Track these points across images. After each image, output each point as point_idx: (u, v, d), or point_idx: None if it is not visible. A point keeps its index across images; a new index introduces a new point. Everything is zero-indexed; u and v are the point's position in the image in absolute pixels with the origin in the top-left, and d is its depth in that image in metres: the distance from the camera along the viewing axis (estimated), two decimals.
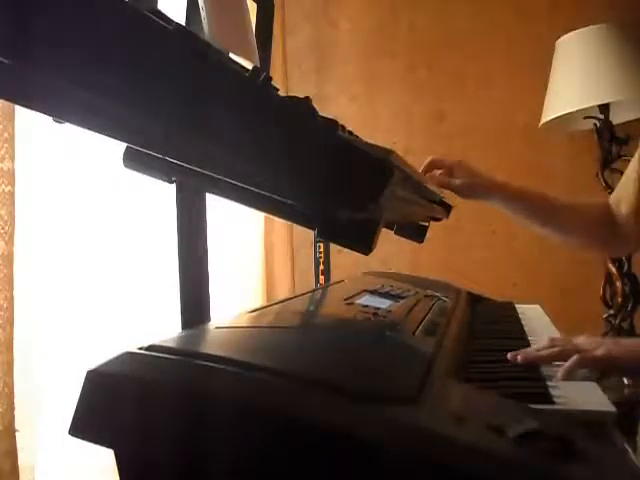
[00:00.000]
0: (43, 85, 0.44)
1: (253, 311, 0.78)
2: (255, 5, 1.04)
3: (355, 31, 2.31)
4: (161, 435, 0.45)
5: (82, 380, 0.46)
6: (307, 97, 0.54)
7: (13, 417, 0.96)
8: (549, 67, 2.00)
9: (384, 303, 0.91)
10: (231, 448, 0.44)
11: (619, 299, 1.95)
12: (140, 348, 0.49)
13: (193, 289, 0.76)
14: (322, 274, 1.66)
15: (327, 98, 2.27)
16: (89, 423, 0.46)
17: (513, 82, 2.18)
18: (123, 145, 0.66)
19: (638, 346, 0.76)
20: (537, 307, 1.28)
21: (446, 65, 2.24)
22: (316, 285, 1.64)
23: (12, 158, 0.96)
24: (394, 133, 2.24)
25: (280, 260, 2.18)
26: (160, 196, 1.26)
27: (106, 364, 0.47)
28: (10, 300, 0.96)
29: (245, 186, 0.59)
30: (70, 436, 0.46)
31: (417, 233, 1.24)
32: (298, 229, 2.12)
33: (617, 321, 1.95)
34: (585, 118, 1.97)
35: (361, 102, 2.30)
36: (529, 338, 0.94)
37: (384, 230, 0.87)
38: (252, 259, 2.01)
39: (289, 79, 2.29)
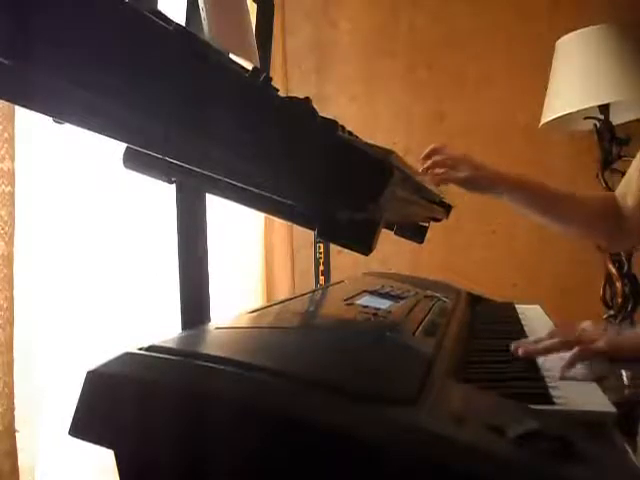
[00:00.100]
0: (43, 85, 0.44)
1: (253, 311, 0.78)
2: (255, 5, 1.04)
3: (355, 31, 2.31)
4: (161, 435, 0.45)
5: (82, 380, 0.46)
6: (307, 97, 0.54)
7: (13, 417, 0.96)
8: (549, 67, 2.00)
9: (384, 303, 0.91)
10: (231, 448, 0.44)
11: (619, 299, 1.95)
12: (140, 348, 0.49)
13: (193, 289, 0.76)
14: (322, 274, 1.66)
15: (327, 98, 2.27)
16: (89, 423, 0.46)
17: (513, 82, 2.18)
18: (123, 145, 0.66)
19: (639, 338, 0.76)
20: (537, 307, 1.28)
21: (446, 65, 2.24)
22: (316, 285, 1.64)
23: (12, 158, 0.96)
24: (394, 133, 2.24)
25: (280, 260, 2.18)
26: (160, 196, 1.26)
27: (106, 364, 0.47)
28: (10, 300, 0.96)
29: (245, 186, 0.59)
30: (70, 436, 0.46)
31: (417, 233, 1.24)
32: (298, 229, 2.12)
33: (617, 321, 1.95)
34: (585, 118, 1.96)
35: (361, 102, 2.30)
36: (529, 338, 0.94)
37: (384, 230, 0.87)
38: (252, 259, 2.01)
39: (289, 79, 2.28)
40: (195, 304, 0.76)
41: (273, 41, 1.08)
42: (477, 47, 2.22)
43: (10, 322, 0.96)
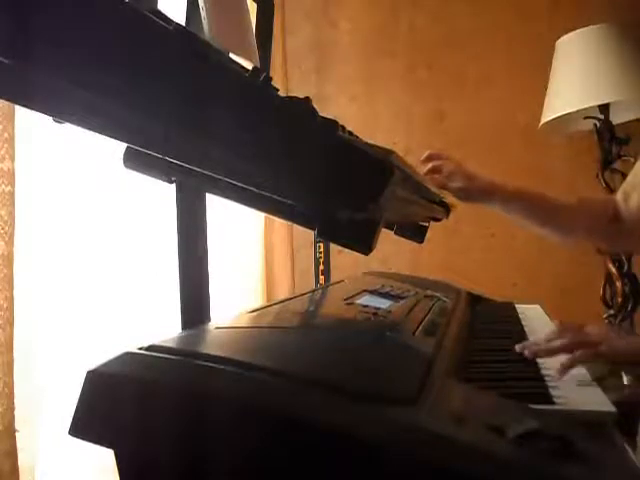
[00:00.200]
0: (43, 85, 0.44)
1: (253, 311, 0.78)
2: (255, 5, 1.04)
3: (355, 31, 2.31)
4: (161, 435, 0.45)
5: (82, 380, 0.46)
6: (307, 97, 0.54)
7: (13, 417, 0.96)
8: (549, 67, 1.99)
9: (384, 303, 0.91)
10: (231, 448, 0.44)
11: (619, 299, 1.95)
12: (140, 348, 0.49)
13: (193, 289, 0.76)
14: (322, 274, 1.66)
15: (327, 98, 2.27)
16: (89, 423, 0.46)
17: (513, 82, 2.18)
18: (123, 145, 0.66)
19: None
20: (537, 307, 1.29)
21: (446, 65, 2.24)
22: (316, 285, 1.64)
23: (12, 158, 0.96)
24: (394, 133, 2.24)
25: (280, 260, 2.18)
26: (160, 196, 1.26)
27: (106, 364, 0.47)
28: (10, 300, 0.96)
29: (245, 186, 0.59)
30: (70, 436, 0.46)
31: (417, 233, 1.24)
32: (298, 229, 2.12)
33: (617, 321, 1.95)
34: (585, 118, 1.96)
35: (361, 102, 2.30)
36: (529, 338, 0.94)
37: (384, 230, 0.87)
38: (252, 259, 2.01)
39: (289, 79, 2.28)
40: (195, 304, 0.76)
41: (273, 41, 1.08)
42: (477, 47, 2.22)
43: (10, 322, 0.96)
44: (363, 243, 0.56)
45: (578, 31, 1.92)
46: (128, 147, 0.67)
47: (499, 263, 2.17)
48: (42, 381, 1.11)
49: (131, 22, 0.43)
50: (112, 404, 0.46)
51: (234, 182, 0.59)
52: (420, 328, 0.77)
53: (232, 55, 0.76)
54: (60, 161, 1.20)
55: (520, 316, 1.15)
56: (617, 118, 1.98)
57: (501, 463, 0.41)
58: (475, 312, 1.19)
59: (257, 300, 1.99)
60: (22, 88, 0.45)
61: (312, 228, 0.60)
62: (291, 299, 0.94)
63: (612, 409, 0.61)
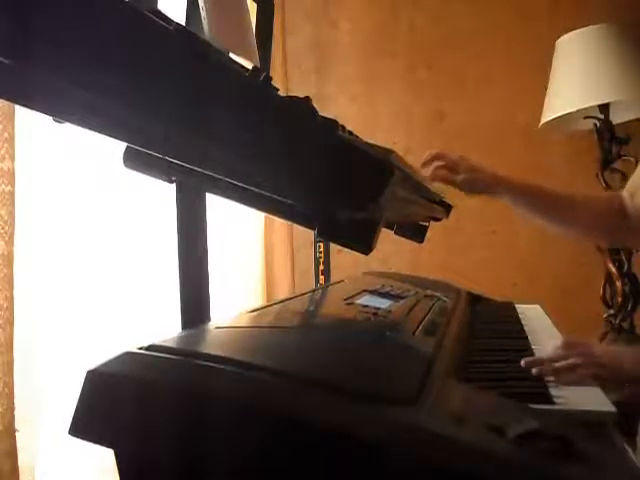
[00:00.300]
0: (43, 85, 0.44)
1: (253, 311, 0.78)
2: (255, 5, 1.04)
3: (355, 31, 2.31)
4: (161, 435, 0.45)
5: (82, 380, 0.46)
6: (307, 97, 0.54)
7: (13, 417, 0.96)
8: (549, 67, 1.99)
9: (384, 303, 0.91)
10: (231, 448, 0.44)
11: (619, 299, 1.95)
12: (140, 348, 0.49)
13: (193, 289, 0.76)
14: (322, 274, 1.66)
15: (327, 98, 2.27)
16: (89, 423, 0.46)
17: (513, 82, 2.18)
18: (123, 145, 0.66)
19: None
20: (537, 307, 1.29)
21: (446, 65, 2.24)
22: (316, 285, 1.64)
23: (12, 158, 0.96)
24: (394, 133, 2.24)
25: (280, 260, 2.18)
26: (160, 196, 1.26)
27: (106, 364, 0.47)
28: (10, 300, 0.96)
29: (245, 186, 0.59)
30: (70, 436, 0.46)
31: (417, 233, 1.24)
32: (298, 229, 2.12)
33: (617, 321, 1.95)
34: (585, 118, 1.96)
35: (361, 102, 2.30)
36: (529, 338, 0.94)
37: (384, 230, 0.87)
38: (252, 259, 2.01)
39: (289, 79, 2.28)
40: (195, 304, 0.76)
41: (273, 41, 1.08)
42: (477, 47, 2.22)
43: (10, 322, 0.96)
44: (363, 243, 0.56)
45: (578, 31, 1.92)
46: (128, 147, 0.67)
47: (499, 263, 2.17)
48: (42, 381, 1.11)
49: (131, 22, 0.43)
50: (112, 404, 0.46)
51: (234, 182, 0.59)
52: (420, 328, 0.77)
53: (232, 55, 0.76)
54: (60, 161, 1.20)
55: (520, 316, 1.15)
56: (617, 118, 1.98)
57: (501, 463, 0.41)
58: (475, 312, 1.19)
59: (257, 300, 1.99)
60: (22, 88, 0.45)
61: (312, 228, 0.60)
62: (291, 299, 0.94)
63: (612, 409, 0.61)
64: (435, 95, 2.25)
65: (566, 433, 0.45)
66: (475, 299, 1.31)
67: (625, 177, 1.83)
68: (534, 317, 1.16)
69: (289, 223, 1.85)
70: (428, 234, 1.24)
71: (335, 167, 0.52)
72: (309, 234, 1.79)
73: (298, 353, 0.58)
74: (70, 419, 0.46)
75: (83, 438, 0.46)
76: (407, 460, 0.41)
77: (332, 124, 0.53)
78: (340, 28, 2.32)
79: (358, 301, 0.90)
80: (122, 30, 0.42)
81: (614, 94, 1.84)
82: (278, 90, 0.56)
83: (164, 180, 0.70)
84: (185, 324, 0.75)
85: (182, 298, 0.76)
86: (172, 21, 0.48)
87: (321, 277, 1.66)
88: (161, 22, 0.46)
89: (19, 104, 0.53)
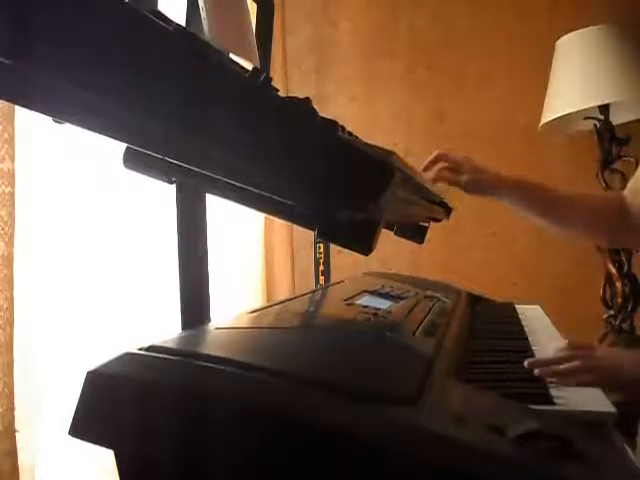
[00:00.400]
0: (43, 85, 0.44)
1: (253, 311, 0.78)
2: (255, 5, 1.04)
3: (355, 31, 2.31)
4: (161, 435, 0.45)
5: (82, 381, 0.46)
6: (307, 97, 0.54)
7: (13, 417, 0.96)
8: (549, 67, 1.99)
9: (384, 304, 0.91)
10: (231, 448, 0.44)
11: (619, 300, 1.95)
12: (140, 348, 0.49)
13: (193, 289, 0.76)
14: (322, 274, 1.66)
15: (327, 98, 2.27)
16: (89, 423, 0.46)
17: (513, 82, 2.18)
18: (123, 145, 0.66)
19: None
20: (537, 307, 1.29)
21: (446, 65, 2.24)
22: (316, 285, 1.64)
23: (12, 159, 0.96)
24: (394, 133, 2.24)
25: (280, 260, 2.18)
26: (160, 196, 1.26)
27: (106, 365, 0.47)
28: (10, 300, 0.96)
29: (245, 186, 0.59)
30: (70, 436, 0.46)
31: (417, 234, 1.24)
32: (298, 229, 2.12)
33: (617, 322, 1.95)
34: (585, 119, 1.96)
35: (361, 102, 2.30)
36: (529, 339, 0.94)
37: (384, 231, 0.87)
38: (252, 259, 2.01)
39: (289, 79, 2.28)
40: (195, 304, 0.76)
41: (273, 41, 1.08)
42: (477, 47, 2.22)
43: (10, 322, 0.96)
44: (363, 243, 0.56)
45: (578, 31, 1.92)
46: (128, 147, 0.67)
47: (499, 263, 2.17)
48: (42, 381, 1.11)
49: (131, 22, 0.43)
50: (112, 404, 0.46)
51: (234, 182, 0.59)
52: (420, 328, 0.77)
53: (232, 55, 0.76)
54: (60, 161, 1.20)
55: (520, 316, 1.15)
56: (617, 118, 1.98)
57: (501, 463, 0.41)
58: (475, 312, 1.19)
59: (257, 300, 1.99)
60: (22, 88, 0.45)
61: (312, 228, 0.60)
62: (291, 299, 0.94)
63: (612, 409, 0.61)
64: (435, 95, 2.25)
65: (566, 433, 0.45)
66: (475, 300, 1.31)
67: (625, 178, 1.83)
68: (534, 318, 1.16)
69: (289, 223, 1.85)
70: (428, 235, 1.24)
71: (335, 168, 0.52)
72: (309, 235, 1.79)
73: (298, 353, 0.58)
74: (70, 419, 0.46)
75: (83, 439, 0.46)
76: (407, 460, 0.41)
77: (332, 125, 0.53)
78: (340, 28, 2.32)
79: (358, 302, 0.90)
80: (122, 30, 0.42)
81: (614, 95, 1.84)
82: (278, 90, 0.56)
83: (164, 181, 0.70)
84: (185, 324, 0.75)
85: (182, 298, 0.76)
86: (172, 22, 0.48)
87: (321, 278, 1.66)
88: (161, 22, 0.46)
89: (19, 104, 0.53)
